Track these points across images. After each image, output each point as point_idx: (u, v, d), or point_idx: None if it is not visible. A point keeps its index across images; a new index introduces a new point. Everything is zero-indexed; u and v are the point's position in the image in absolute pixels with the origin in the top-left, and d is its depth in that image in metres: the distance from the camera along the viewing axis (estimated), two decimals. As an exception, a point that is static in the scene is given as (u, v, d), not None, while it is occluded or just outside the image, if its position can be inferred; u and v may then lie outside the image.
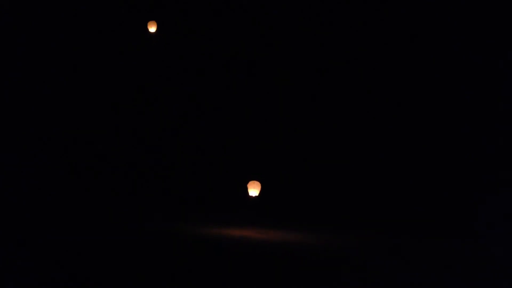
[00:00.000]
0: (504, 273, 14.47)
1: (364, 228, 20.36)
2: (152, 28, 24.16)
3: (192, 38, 24.24)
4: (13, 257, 13.24)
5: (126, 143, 23.79)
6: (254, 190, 19.37)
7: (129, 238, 16.48)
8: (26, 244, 14.75)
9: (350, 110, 22.77)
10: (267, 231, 19.08)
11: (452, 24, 21.84)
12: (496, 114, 21.25)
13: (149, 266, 13.29)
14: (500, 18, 21.26)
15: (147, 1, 24.52)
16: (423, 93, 22.13)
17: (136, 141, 23.87)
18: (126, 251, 14.80)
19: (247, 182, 20.63)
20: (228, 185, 22.56)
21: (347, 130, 22.66)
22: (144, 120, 24.08)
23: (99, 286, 11.62)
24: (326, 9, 23.09)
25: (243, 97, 23.62)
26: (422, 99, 22.11)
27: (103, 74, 24.20)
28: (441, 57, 21.98)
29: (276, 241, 17.53)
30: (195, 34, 24.25)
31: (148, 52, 24.51)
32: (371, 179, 21.96)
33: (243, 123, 23.49)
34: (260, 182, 20.05)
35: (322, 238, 18.72)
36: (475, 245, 18.46)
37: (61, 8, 24.01)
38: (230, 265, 14.01)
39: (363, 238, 19.10)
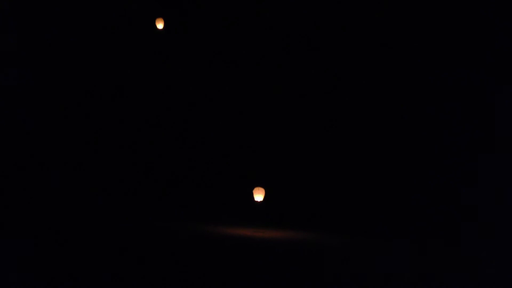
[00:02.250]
0: (504, 273, 14.49)
1: (364, 229, 20.37)
2: (160, 25, 24.14)
3: (199, 39, 24.26)
4: (13, 257, 13.25)
5: (128, 143, 23.80)
6: (259, 195, 19.59)
7: (129, 238, 16.50)
8: (26, 243, 14.75)
9: (350, 110, 22.79)
10: (267, 231, 19.11)
11: (452, 23, 21.87)
12: (496, 114, 21.27)
13: (150, 265, 13.31)
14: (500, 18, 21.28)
15: None
16: (422, 93, 22.14)
17: (138, 141, 23.87)
18: (126, 250, 14.81)
19: (249, 181, 20.65)
20: (229, 185, 22.58)
21: (346, 132, 22.67)
22: (146, 120, 24.09)
23: (99, 286, 11.63)
24: (326, 10, 23.12)
25: (246, 98, 23.66)
26: (420, 99, 22.12)
27: (110, 72, 24.20)
28: (440, 57, 21.99)
29: (276, 241, 17.54)
30: (202, 34, 24.28)
31: (156, 50, 24.53)
32: (370, 180, 21.97)
33: (243, 124, 23.52)
34: (263, 186, 20.19)
35: (322, 238, 18.74)
36: (474, 245, 18.47)
37: (67, 6, 24.02)
38: (231, 265, 14.03)
39: (363, 239, 19.12)
